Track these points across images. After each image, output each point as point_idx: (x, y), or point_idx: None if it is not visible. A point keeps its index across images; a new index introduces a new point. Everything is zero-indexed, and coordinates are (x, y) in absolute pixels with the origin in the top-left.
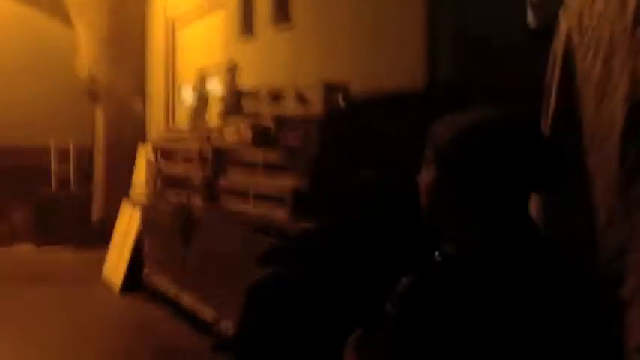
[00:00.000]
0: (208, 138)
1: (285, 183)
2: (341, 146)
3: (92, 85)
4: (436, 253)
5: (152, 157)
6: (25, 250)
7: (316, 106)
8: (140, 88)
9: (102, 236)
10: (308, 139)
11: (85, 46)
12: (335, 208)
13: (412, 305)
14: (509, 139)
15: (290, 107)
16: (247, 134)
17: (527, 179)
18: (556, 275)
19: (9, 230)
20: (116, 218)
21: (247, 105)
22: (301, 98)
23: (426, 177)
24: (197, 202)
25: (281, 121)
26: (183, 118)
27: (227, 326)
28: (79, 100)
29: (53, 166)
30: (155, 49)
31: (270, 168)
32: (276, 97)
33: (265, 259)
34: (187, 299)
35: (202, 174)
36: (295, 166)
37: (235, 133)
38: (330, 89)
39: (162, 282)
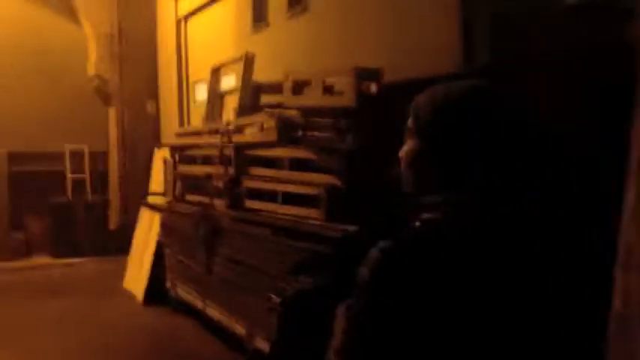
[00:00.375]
0: (229, 136)
1: (317, 181)
2: (376, 138)
3: (102, 87)
4: (415, 222)
5: (169, 160)
6: (42, 261)
7: (347, 95)
8: (152, 89)
9: (120, 244)
10: (340, 131)
11: (94, 46)
12: (373, 208)
13: (386, 270)
14: (483, 108)
15: (317, 98)
16: (272, 130)
17: (502, 149)
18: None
19: (25, 241)
20: (134, 225)
21: (267, 99)
22: (329, 88)
23: (407, 146)
24: (220, 205)
25: (309, 114)
26: (197, 118)
27: (260, 343)
28: (92, 103)
29: (68, 172)
30: (166, 48)
31: (299, 165)
32: (300, 87)
33: (300, 269)
34: (215, 312)
35: (224, 175)
36: (327, 162)
37: (258, 130)
38: (362, 76)
39: (186, 293)
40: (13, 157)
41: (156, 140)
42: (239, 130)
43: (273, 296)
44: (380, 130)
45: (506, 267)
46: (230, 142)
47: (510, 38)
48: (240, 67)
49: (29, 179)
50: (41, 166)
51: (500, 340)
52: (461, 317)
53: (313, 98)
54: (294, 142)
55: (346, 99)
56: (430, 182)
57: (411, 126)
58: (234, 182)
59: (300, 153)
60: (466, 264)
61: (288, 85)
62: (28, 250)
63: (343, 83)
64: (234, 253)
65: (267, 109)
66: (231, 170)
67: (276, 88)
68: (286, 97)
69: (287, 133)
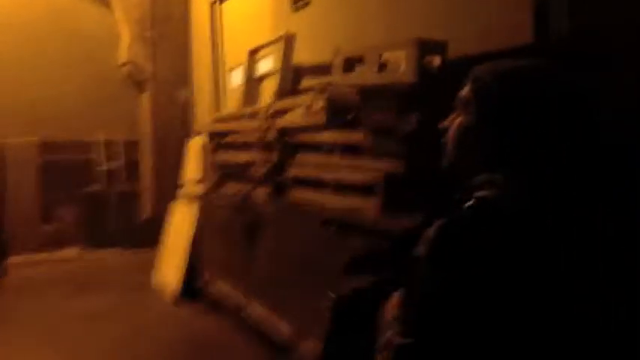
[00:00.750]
0: (271, 119)
1: (373, 168)
2: (439, 119)
3: (135, 73)
4: (468, 200)
5: (207, 146)
6: (72, 254)
7: (407, 70)
8: (185, 75)
9: (152, 235)
10: (399, 112)
11: (126, 31)
12: (437, 197)
13: (442, 249)
14: (550, 88)
15: (372, 75)
16: (320, 111)
17: (563, 133)
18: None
19: (56, 232)
20: (166, 216)
21: (310, 82)
22: (384, 65)
23: (458, 121)
24: (262, 194)
25: (365, 93)
26: (233, 106)
27: (308, 347)
28: (124, 90)
29: (101, 161)
30: (200, 32)
31: (352, 151)
32: (351, 65)
33: (355, 267)
34: (257, 311)
35: (267, 162)
36: (385, 148)
37: (305, 112)
38: (424, 49)
39: (224, 290)
40: (45, 146)
41: (189, 128)
42: (282, 112)
43: (330, 293)
44: (443, 111)
45: (558, 245)
46: (272, 126)
47: (592, 10)
48: (279, 48)
49: (61, 168)
50: (73, 155)
51: (555, 315)
52: (517, 293)
53: (367, 76)
54: (345, 124)
55: (406, 75)
56: (480, 159)
57: (468, 97)
58: (278, 169)
59: (353, 136)
60: (522, 241)
61: (338, 63)
62: (58, 241)
63: (401, 58)
64: (278, 247)
65: (314, 89)
66: (274, 156)
67: (320, 69)
68: (336, 77)
69: (337, 114)
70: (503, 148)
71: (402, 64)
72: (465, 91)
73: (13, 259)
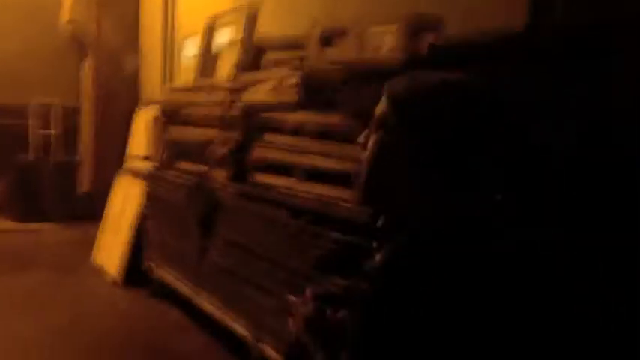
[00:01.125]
0: (235, 94)
1: (350, 156)
2: None
3: (77, 34)
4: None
5: (157, 120)
6: (3, 227)
7: (395, 49)
8: (133, 40)
9: (91, 210)
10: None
11: None
12: (420, 191)
13: (386, 282)
14: (464, 98)
15: (353, 53)
16: (294, 89)
17: (482, 144)
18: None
19: None
20: (107, 191)
21: (276, 56)
22: (364, 41)
23: (375, 138)
24: (221, 176)
25: (346, 71)
26: (184, 78)
27: (269, 350)
28: (63, 52)
29: (32, 128)
30: None
31: (326, 135)
32: (329, 40)
33: (325, 266)
34: (208, 305)
35: (228, 140)
36: (364, 132)
37: (275, 88)
38: (418, 26)
39: (171, 276)
40: None
41: (136, 98)
42: (246, 87)
43: (290, 296)
44: None
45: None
46: (236, 101)
47: None
48: (240, 17)
49: None
50: (4, 119)
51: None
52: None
53: (349, 52)
54: (321, 105)
55: (395, 54)
56: (402, 174)
57: (385, 114)
58: (241, 150)
59: (330, 119)
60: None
61: (315, 36)
62: None
63: (389, 35)
64: (237, 236)
65: (286, 63)
66: (237, 135)
67: (287, 44)
68: (312, 51)
69: (313, 93)
70: (426, 161)
71: (388, 41)
72: (382, 108)
73: None
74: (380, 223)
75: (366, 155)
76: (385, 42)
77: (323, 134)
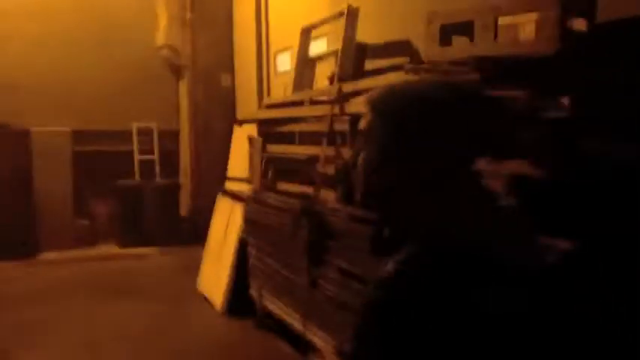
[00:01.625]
0: (338, 107)
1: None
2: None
3: (173, 58)
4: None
5: (256, 138)
6: (108, 252)
7: (545, 37)
8: (227, 60)
9: (192, 233)
10: (540, 93)
11: (163, 11)
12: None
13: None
14: (452, 95)
15: (488, 45)
16: None
17: (473, 141)
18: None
19: (90, 227)
20: (208, 213)
21: (381, 63)
22: (494, 33)
23: (364, 154)
24: (329, 198)
25: (489, 68)
26: (280, 93)
27: None
28: (160, 77)
29: (136, 152)
30: (243, 13)
31: None
32: (448, 35)
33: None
34: (322, 343)
35: (336, 157)
36: (522, 141)
37: None
38: (567, 10)
39: (278, 308)
40: (78, 136)
41: (231, 117)
42: (351, 97)
43: None
44: (596, 89)
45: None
46: (343, 113)
47: None
48: (337, 26)
49: (94, 160)
50: (107, 145)
51: None
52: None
53: (484, 46)
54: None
55: (545, 42)
56: (394, 188)
57: (370, 127)
58: (351, 168)
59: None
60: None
61: (433, 32)
62: (93, 237)
63: (528, 23)
64: (351, 266)
65: (408, 65)
66: (345, 151)
67: (389, 47)
68: (432, 49)
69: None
70: (417, 173)
71: (528, 30)
72: (366, 121)
73: (46, 256)
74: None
75: (357, 172)
76: (523, 31)
77: None
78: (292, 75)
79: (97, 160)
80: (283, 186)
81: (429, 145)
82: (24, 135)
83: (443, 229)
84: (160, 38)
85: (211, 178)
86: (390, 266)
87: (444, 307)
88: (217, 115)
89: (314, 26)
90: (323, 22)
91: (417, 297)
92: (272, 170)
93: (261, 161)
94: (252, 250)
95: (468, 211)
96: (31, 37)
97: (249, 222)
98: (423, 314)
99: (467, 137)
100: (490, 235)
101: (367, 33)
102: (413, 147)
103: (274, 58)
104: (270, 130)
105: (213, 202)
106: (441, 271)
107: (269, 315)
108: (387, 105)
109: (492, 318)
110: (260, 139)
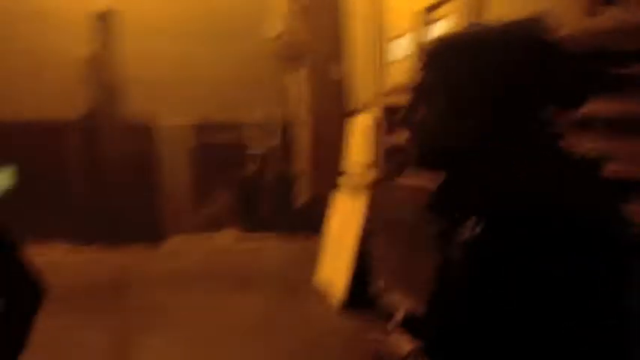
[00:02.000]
0: None
1: None
2: None
3: (289, 47)
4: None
5: (376, 125)
6: (227, 239)
7: None
8: (339, 48)
9: (309, 222)
10: None
11: (283, 2)
12: None
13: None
14: (512, 39)
15: None
16: None
17: (538, 88)
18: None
19: (212, 214)
20: (324, 202)
21: None
22: None
23: (422, 111)
24: None
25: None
26: (396, 80)
27: None
28: (272, 68)
29: (254, 143)
30: None
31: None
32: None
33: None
34: None
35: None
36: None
37: None
38: None
39: (405, 303)
40: (199, 129)
41: (346, 106)
42: None
43: None
44: None
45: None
46: None
47: None
48: (460, 6)
49: (215, 150)
50: (227, 136)
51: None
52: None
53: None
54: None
55: None
56: (453, 146)
57: (431, 83)
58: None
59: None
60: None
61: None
62: (215, 224)
63: None
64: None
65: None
66: None
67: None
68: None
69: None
70: (477, 131)
71: None
72: (425, 77)
73: (170, 242)
74: None
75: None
76: None
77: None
78: (410, 61)
79: (218, 151)
80: (409, 175)
81: (501, 97)
82: (149, 128)
83: (524, 193)
84: (274, 29)
85: (328, 167)
86: (469, 231)
87: (523, 275)
88: (333, 104)
89: (432, 9)
90: (442, 3)
91: (496, 263)
92: (396, 158)
93: (384, 149)
94: (376, 242)
95: (551, 173)
96: (157, 35)
97: (374, 213)
98: (502, 280)
99: (537, 84)
100: (575, 199)
101: (506, 7)
102: (489, 97)
103: (389, 45)
104: (394, 117)
105: (330, 192)
106: (520, 238)
107: (393, 312)
108: (454, 62)
109: (572, 288)
110: (384, 127)
